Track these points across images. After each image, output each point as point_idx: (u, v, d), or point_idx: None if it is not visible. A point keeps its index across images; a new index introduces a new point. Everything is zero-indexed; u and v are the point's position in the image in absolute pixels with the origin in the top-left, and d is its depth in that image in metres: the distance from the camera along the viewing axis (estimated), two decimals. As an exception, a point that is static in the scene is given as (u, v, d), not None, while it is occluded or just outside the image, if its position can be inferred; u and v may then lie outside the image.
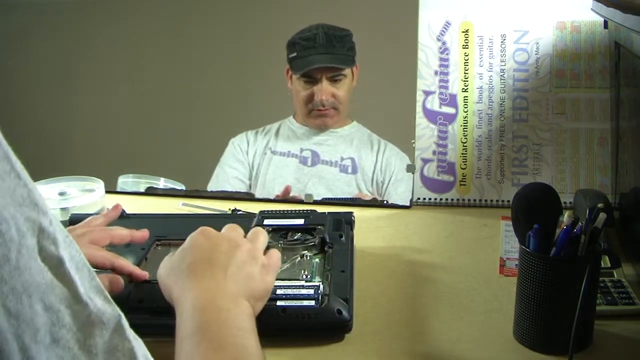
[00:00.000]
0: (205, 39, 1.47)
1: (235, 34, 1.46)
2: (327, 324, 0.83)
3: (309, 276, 0.93)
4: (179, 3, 1.48)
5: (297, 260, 0.98)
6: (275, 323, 0.83)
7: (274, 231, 1.05)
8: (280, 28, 1.43)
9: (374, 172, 1.39)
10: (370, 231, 1.19)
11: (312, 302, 0.85)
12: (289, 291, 0.87)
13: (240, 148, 1.47)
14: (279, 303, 0.85)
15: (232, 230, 0.84)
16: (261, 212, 1.13)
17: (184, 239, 1.04)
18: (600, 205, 0.79)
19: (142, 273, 0.91)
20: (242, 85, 1.46)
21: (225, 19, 1.46)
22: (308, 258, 0.99)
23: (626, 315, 0.88)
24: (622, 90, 1.18)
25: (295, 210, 1.14)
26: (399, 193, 1.35)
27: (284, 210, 1.15)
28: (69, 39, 1.51)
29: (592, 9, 1.25)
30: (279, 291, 0.86)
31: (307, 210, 1.14)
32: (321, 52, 1.41)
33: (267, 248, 1.00)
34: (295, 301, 0.85)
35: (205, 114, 1.48)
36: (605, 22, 1.26)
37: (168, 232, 1.07)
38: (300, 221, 1.08)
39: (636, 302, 0.90)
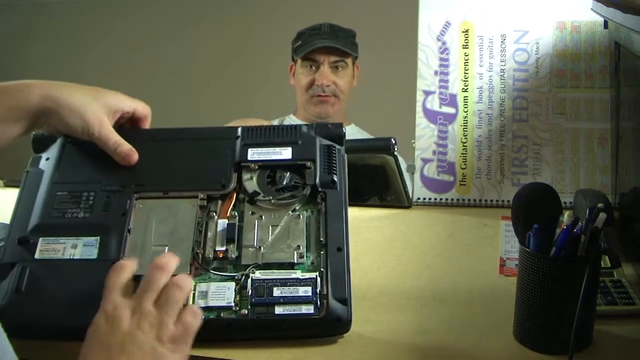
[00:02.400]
0: (206, 40, 1.47)
1: (236, 36, 1.46)
2: (327, 332, 0.83)
3: (302, 252, 0.88)
4: (180, 4, 1.48)
5: (288, 223, 0.91)
6: (274, 333, 0.83)
7: (261, 171, 0.96)
8: (281, 30, 1.43)
9: None
10: (370, 231, 1.19)
11: (311, 308, 0.83)
12: (286, 291, 0.84)
13: None
14: (277, 311, 0.83)
15: (148, 286, 0.74)
16: (243, 131, 1.00)
17: (164, 191, 0.93)
18: (600, 205, 0.79)
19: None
20: (242, 86, 1.47)
21: (226, 20, 1.47)
22: (298, 216, 0.92)
23: (626, 315, 0.88)
24: (622, 90, 1.17)
25: (280, 128, 1.01)
26: None
27: (267, 127, 1.01)
28: (69, 39, 1.51)
29: (592, 9, 1.24)
30: (276, 292, 0.84)
31: (293, 126, 0.99)
32: (325, 38, 1.42)
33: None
34: (293, 306, 0.83)
35: (205, 113, 1.48)
36: (605, 22, 1.26)
37: (146, 174, 0.96)
38: (288, 152, 0.97)
39: (636, 302, 0.90)
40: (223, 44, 1.45)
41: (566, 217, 0.79)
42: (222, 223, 0.92)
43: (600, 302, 0.87)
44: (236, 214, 0.93)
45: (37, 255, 0.88)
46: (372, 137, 1.56)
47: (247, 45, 1.43)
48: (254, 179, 0.96)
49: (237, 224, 0.92)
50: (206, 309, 0.84)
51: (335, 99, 1.44)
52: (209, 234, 0.91)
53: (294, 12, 1.44)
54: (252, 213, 0.93)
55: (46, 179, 0.95)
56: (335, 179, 0.95)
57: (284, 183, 0.95)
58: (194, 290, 0.86)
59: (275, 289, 0.85)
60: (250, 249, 0.90)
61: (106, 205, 0.92)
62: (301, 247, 0.89)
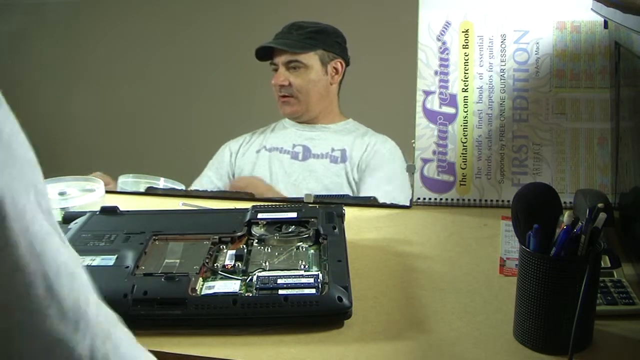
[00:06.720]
0: (205, 40, 1.46)
1: (235, 35, 1.46)
2: (328, 310, 0.86)
3: (306, 266, 0.95)
4: (180, 4, 1.48)
5: (293, 252, 1.00)
6: (279, 311, 0.85)
7: (269, 225, 1.07)
8: (279, 29, 1.43)
9: (360, 158, 1.38)
10: (370, 231, 1.19)
11: (313, 290, 0.87)
12: (290, 280, 0.89)
13: (230, 150, 1.46)
14: (281, 292, 0.87)
15: None
16: (254, 206, 1.15)
17: (181, 234, 1.05)
18: (600, 205, 0.79)
19: None
20: (242, 86, 1.46)
21: (226, 19, 1.46)
22: (304, 249, 1.01)
23: (626, 315, 0.88)
24: (622, 90, 1.18)
25: (288, 205, 1.18)
26: (369, 183, 1.34)
27: (276, 205, 1.18)
28: (69, 39, 1.51)
29: (592, 9, 1.25)
30: (280, 280, 0.88)
31: (298, 204, 1.18)
32: (279, 38, 1.41)
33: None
34: (296, 289, 0.87)
35: (206, 114, 1.48)
36: (605, 22, 1.26)
37: (165, 227, 1.07)
38: (293, 214, 1.10)
39: (636, 302, 0.90)
40: (224, 43, 1.45)
41: (566, 217, 0.79)
42: (231, 252, 0.99)
43: (600, 302, 0.87)
44: (244, 247, 1.01)
45: None
46: (371, 130, 1.54)
47: (248, 44, 1.43)
48: (262, 229, 1.06)
49: (245, 249, 1.00)
50: (213, 294, 0.87)
51: (294, 99, 1.42)
52: (219, 259, 0.98)
53: (293, 11, 1.43)
54: (260, 247, 1.02)
55: (73, 230, 1.05)
56: (336, 226, 1.05)
57: (289, 230, 1.05)
58: (202, 286, 0.89)
59: (279, 279, 0.89)
60: (257, 263, 0.96)
61: (125, 240, 1.02)
62: (305, 263, 0.96)
